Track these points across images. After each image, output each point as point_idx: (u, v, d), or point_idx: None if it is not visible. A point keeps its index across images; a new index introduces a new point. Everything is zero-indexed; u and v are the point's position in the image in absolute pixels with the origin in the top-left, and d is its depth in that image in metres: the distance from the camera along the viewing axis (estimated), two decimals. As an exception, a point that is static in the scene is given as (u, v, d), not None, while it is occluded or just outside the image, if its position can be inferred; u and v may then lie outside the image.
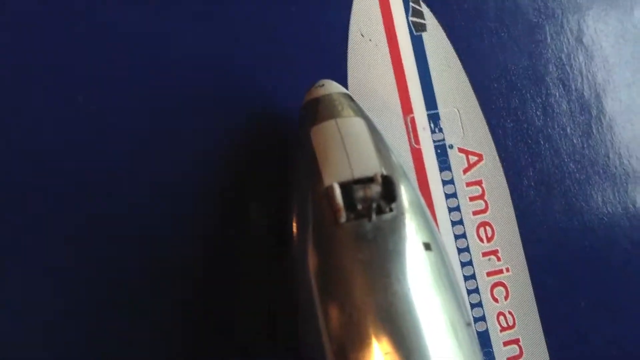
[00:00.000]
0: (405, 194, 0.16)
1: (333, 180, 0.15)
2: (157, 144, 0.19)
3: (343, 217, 0.15)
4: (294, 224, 0.17)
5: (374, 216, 0.15)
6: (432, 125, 0.19)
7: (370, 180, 0.15)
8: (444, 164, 0.19)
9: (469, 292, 0.19)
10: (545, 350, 0.19)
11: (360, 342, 0.15)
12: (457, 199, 0.19)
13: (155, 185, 0.19)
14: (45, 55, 0.19)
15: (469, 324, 0.16)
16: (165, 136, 0.19)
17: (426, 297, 0.15)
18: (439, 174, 0.19)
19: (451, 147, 0.19)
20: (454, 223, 0.19)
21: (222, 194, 0.19)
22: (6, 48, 0.19)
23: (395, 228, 0.15)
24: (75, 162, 0.19)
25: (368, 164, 0.16)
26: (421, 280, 0.15)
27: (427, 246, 0.16)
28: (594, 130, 0.21)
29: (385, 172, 0.15)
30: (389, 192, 0.15)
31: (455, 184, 0.19)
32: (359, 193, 0.15)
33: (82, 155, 0.19)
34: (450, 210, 0.19)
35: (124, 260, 0.19)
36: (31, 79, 0.19)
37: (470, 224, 0.19)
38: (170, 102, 0.19)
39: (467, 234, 0.19)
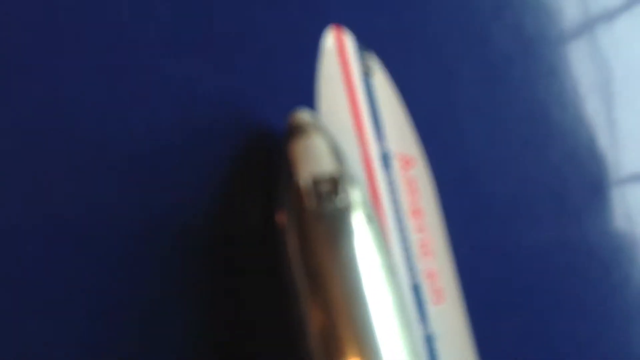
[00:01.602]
0: (351, 187, 0.24)
1: (303, 178, 0.24)
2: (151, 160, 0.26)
3: (310, 202, 0.23)
4: (278, 213, 0.25)
5: (329, 201, 0.23)
6: (378, 139, 0.28)
7: (328, 177, 0.24)
8: (387, 167, 0.28)
9: (405, 256, 0.27)
10: (461, 297, 0.27)
11: (322, 291, 0.23)
12: (396, 191, 0.27)
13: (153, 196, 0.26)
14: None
15: (394, 272, 0.24)
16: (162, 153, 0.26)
17: (366, 254, 0.23)
18: (383, 174, 0.27)
19: (392, 155, 0.28)
20: (394, 209, 0.27)
21: (222, 199, 0.27)
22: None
23: (345, 208, 0.24)
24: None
25: (327, 166, 0.24)
26: (363, 243, 0.23)
27: (368, 220, 0.24)
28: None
29: (338, 171, 0.24)
30: (339, 184, 0.23)
31: (394, 181, 0.28)
32: (321, 185, 0.23)
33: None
34: (391, 199, 0.27)
35: (113, 262, 0.25)
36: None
37: (406, 209, 0.27)
38: (165, 122, 0.27)
39: (404, 217, 0.27)
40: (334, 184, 0.23)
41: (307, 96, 0.27)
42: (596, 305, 0.28)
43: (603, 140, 0.30)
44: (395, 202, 0.27)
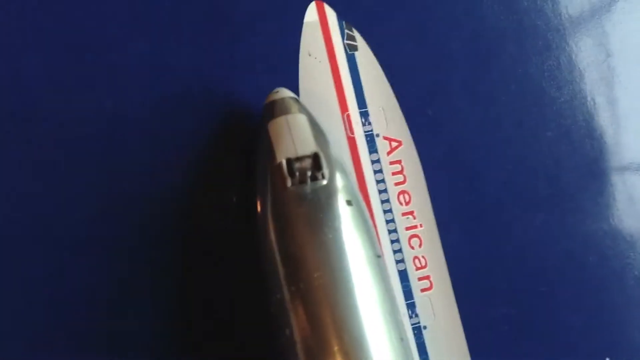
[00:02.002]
0: (332, 168, 0.22)
1: (282, 157, 0.22)
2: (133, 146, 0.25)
3: (289, 182, 0.22)
4: (256, 193, 0.23)
5: (309, 182, 0.22)
6: (362, 120, 0.26)
7: (307, 157, 0.22)
8: (372, 148, 0.26)
9: (392, 241, 0.26)
10: (450, 284, 0.26)
11: (302, 272, 0.21)
12: (383, 174, 0.26)
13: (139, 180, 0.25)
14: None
15: (379, 256, 0.22)
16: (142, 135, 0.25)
17: (347, 238, 0.22)
18: (368, 156, 0.26)
19: (377, 135, 0.26)
20: (380, 191, 0.26)
21: (199, 179, 0.25)
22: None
23: (325, 190, 0.22)
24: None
25: (307, 146, 0.22)
26: (344, 226, 0.22)
27: (349, 202, 0.22)
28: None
29: (317, 151, 0.22)
30: (319, 164, 0.22)
31: (381, 163, 0.26)
32: (300, 165, 0.22)
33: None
34: (377, 182, 0.26)
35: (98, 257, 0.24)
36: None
37: (393, 192, 0.26)
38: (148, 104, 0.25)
39: (390, 200, 0.26)
40: (314, 164, 0.22)
41: (288, 72, 0.26)
42: (593, 293, 0.27)
43: (602, 120, 0.28)
44: (380, 184, 0.26)
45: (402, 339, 0.22)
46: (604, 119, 0.28)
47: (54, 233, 0.24)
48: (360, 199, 0.23)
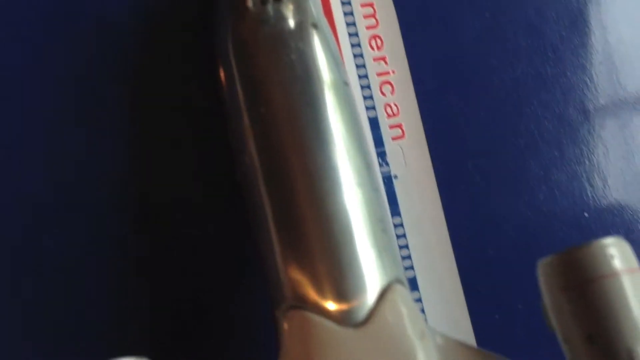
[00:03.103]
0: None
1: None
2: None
3: (250, 2, 0.20)
4: (216, 17, 0.22)
5: (271, 2, 0.20)
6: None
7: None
8: (342, -11, 0.24)
9: (362, 87, 0.24)
10: (423, 133, 0.24)
11: (263, 96, 0.20)
12: (353, 17, 0.24)
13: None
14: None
15: (346, 84, 0.21)
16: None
17: (312, 60, 0.20)
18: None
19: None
20: (350, 35, 0.24)
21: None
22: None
23: (288, 10, 0.20)
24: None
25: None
26: (309, 48, 0.20)
27: (315, 26, 0.21)
28: None
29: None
30: None
31: (352, 4, 0.24)
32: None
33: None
34: (348, 24, 0.24)
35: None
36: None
37: (364, 36, 0.24)
38: None
39: (361, 44, 0.24)
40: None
41: None
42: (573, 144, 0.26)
43: None
44: (350, 27, 0.24)
45: (369, 167, 0.20)
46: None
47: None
48: (326, 25, 0.21)
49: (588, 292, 0.17)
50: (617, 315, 0.17)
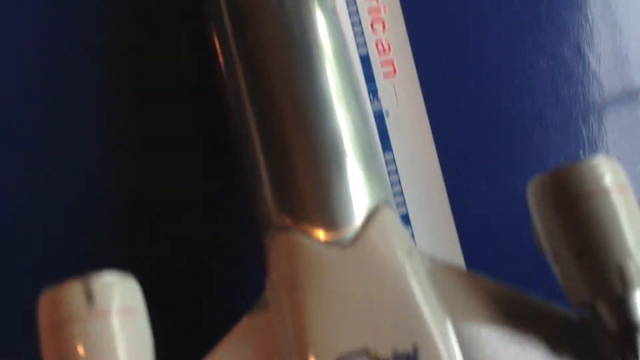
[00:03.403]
0: None
1: None
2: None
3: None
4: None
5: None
6: None
7: None
8: None
9: (353, 25, 0.24)
10: (415, 71, 0.24)
11: (260, 62, 0.19)
12: (344, -46, 0.24)
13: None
14: None
15: (333, 13, 0.21)
16: None
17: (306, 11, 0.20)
18: None
19: None
20: (341, -29, 0.24)
21: None
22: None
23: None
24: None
25: None
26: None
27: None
28: None
29: None
30: None
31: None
32: None
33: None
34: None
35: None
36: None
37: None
38: None
39: (352, -19, 0.24)
40: None
41: None
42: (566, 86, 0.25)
43: None
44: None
45: (357, 94, 0.20)
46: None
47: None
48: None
49: (578, 208, 0.17)
50: (607, 231, 0.17)
